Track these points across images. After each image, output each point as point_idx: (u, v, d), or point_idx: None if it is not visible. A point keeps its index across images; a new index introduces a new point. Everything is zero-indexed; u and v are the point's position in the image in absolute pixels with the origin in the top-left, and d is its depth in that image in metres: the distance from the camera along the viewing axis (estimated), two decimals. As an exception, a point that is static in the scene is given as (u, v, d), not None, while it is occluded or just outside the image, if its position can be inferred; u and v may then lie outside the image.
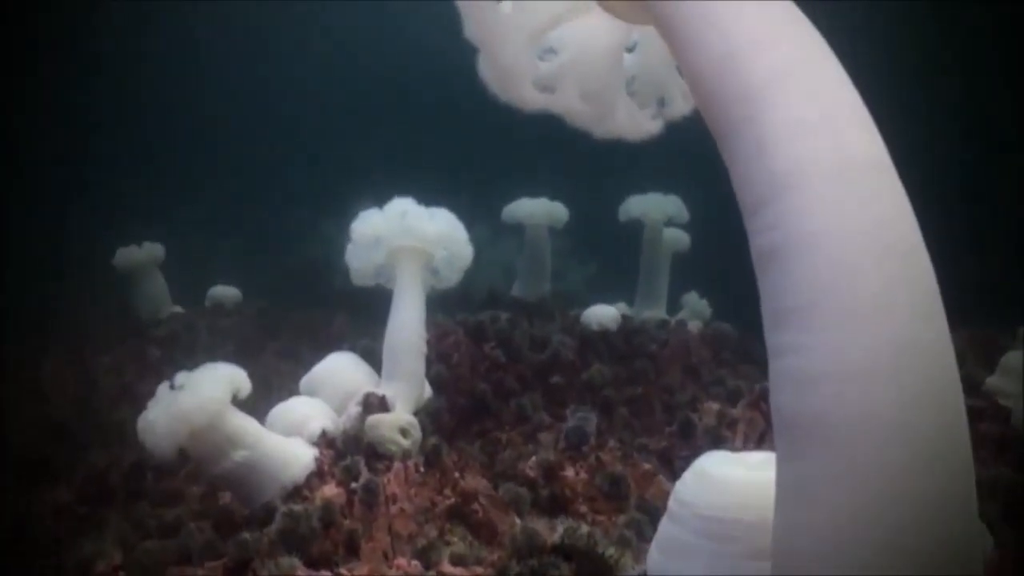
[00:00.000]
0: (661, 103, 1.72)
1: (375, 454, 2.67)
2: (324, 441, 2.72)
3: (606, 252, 5.83)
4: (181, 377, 2.54)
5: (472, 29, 1.54)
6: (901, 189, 1.24)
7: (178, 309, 5.07)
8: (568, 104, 1.61)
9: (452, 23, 1.58)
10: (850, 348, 1.15)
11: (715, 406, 3.36)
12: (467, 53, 1.60)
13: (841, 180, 1.19)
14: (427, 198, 3.13)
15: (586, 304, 4.20)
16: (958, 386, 1.19)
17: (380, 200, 3.12)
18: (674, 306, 4.76)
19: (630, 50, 1.71)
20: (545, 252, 4.82)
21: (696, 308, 4.75)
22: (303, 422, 2.76)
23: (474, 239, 3.16)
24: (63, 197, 6.53)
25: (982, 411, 2.68)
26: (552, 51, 1.64)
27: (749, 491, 1.49)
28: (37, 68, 6.69)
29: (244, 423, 2.56)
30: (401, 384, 2.92)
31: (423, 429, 2.82)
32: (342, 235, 3.14)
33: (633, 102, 1.67)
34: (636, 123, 1.65)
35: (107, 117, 6.99)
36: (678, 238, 4.78)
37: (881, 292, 1.16)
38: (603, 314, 4.01)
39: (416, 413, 2.92)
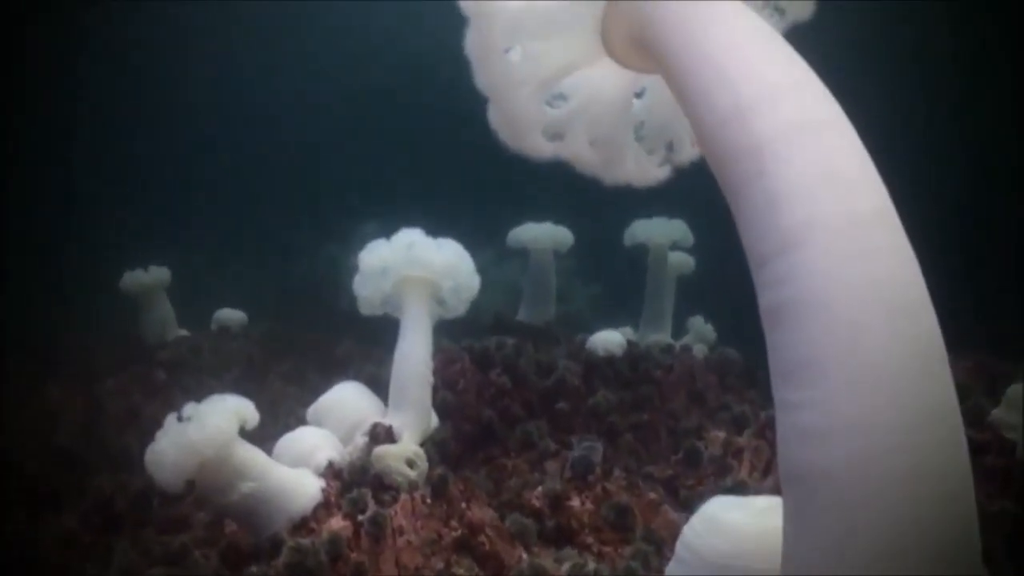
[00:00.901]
0: (670, 148, 1.73)
1: (382, 485, 2.66)
2: (331, 472, 2.71)
3: (611, 276, 5.83)
4: (189, 409, 2.53)
5: (482, 78, 1.56)
6: (907, 243, 1.25)
7: (184, 332, 5.09)
8: (577, 151, 1.62)
9: (458, 50, 1.59)
10: (858, 404, 1.17)
11: (721, 434, 3.35)
12: (473, 78, 1.60)
13: (848, 236, 1.21)
14: (432, 221, 3.13)
15: (591, 328, 4.20)
16: (963, 441, 1.21)
17: (385, 222, 3.12)
18: (679, 330, 4.75)
19: (639, 95, 1.73)
20: (550, 276, 4.82)
21: (701, 332, 4.75)
22: (310, 452, 2.76)
23: (479, 263, 3.16)
24: (69, 220, 6.56)
25: (987, 444, 2.67)
26: (562, 97, 1.65)
27: (757, 538, 1.50)
28: (42, 88, 6.74)
29: (251, 455, 2.56)
30: (408, 414, 2.92)
31: (429, 459, 2.81)
32: (347, 257, 3.15)
33: (641, 148, 1.69)
34: (644, 170, 1.67)
35: (112, 139, 7.02)
36: (683, 262, 4.78)
37: (888, 348, 1.18)
38: (609, 340, 4.00)
39: (423, 443, 2.92)
